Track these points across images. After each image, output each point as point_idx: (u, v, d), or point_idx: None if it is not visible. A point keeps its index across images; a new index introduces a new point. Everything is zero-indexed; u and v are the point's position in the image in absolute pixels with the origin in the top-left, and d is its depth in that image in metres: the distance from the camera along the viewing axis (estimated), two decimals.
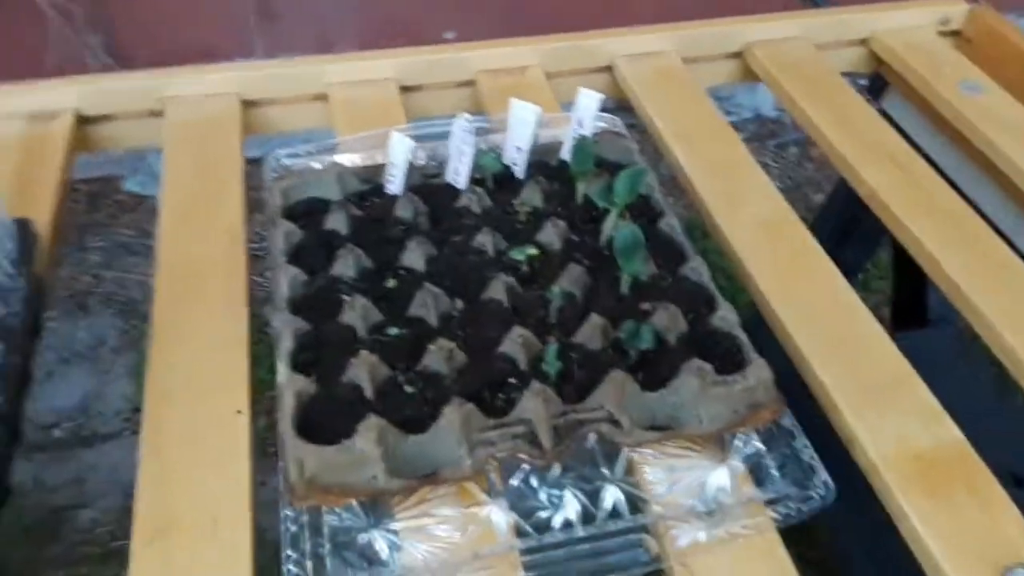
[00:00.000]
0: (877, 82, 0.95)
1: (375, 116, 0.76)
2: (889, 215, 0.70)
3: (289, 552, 0.45)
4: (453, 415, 0.47)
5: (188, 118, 0.76)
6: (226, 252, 0.63)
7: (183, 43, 1.66)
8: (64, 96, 0.76)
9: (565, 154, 0.67)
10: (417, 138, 0.69)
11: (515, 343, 0.51)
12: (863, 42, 0.92)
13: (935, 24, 0.91)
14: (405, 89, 0.82)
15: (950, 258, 0.65)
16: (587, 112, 0.65)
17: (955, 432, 0.53)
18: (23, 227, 0.54)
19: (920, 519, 0.49)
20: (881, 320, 0.61)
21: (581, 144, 0.60)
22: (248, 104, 0.79)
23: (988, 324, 0.60)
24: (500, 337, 0.52)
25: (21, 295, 0.50)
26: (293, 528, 0.46)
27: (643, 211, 0.63)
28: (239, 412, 0.53)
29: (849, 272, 1.10)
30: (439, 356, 0.50)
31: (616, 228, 0.57)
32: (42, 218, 0.64)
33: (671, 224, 0.61)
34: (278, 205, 0.62)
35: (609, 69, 0.87)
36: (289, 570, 0.44)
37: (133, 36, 1.63)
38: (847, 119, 0.79)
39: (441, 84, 0.83)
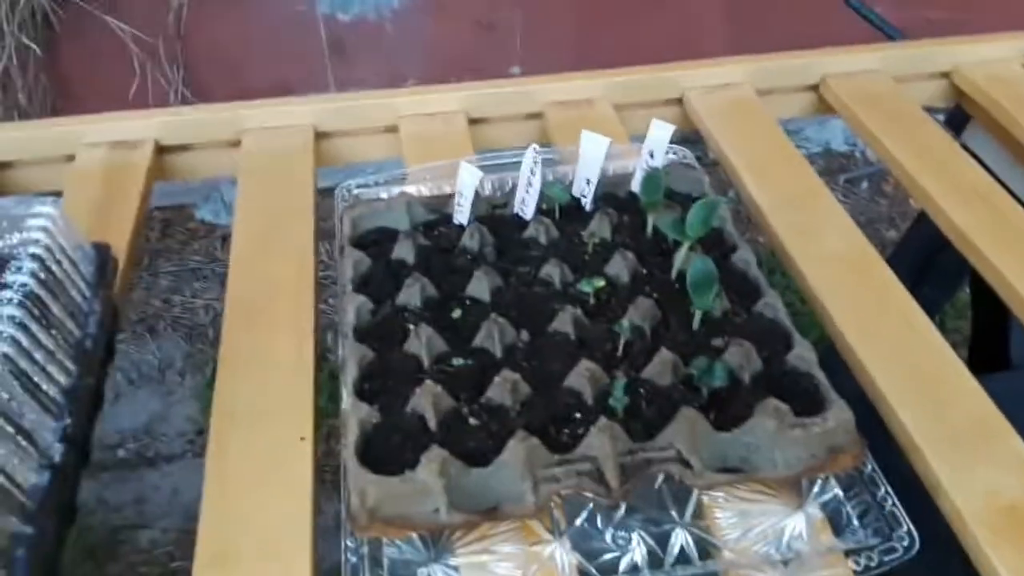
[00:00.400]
0: (957, 116, 0.92)
1: (443, 148, 0.76)
2: (973, 251, 0.67)
3: None
4: (517, 449, 0.46)
5: (263, 148, 0.77)
6: (295, 279, 0.64)
7: (259, 81, 1.72)
8: (145, 127, 0.78)
9: (635, 186, 0.67)
10: (484, 169, 0.69)
11: (581, 376, 0.50)
12: (944, 75, 0.89)
13: (1019, 57, 0.88)
14: (473, 121, 0.82)
15: None
16: (658, 143, 0.64)
17: None
18: (101, 252, 0.55)
19: (1009, 574, 0.46)
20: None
21: (651, 175, 0.59)
22: (321, 136, 0.81)
23: None
24: (566, 370, 0.51)
25: (97, 318, 0.51)
26: (353, 559, 0.45)
27: (716, 244, 0.62)
28: (303, 439, 0.52)
29: (928, 311, 1.06)
30: (504, 388, 0.49)
31: (688, 261, 0.56)
32: (119, 243, 0.65)
33: (745, 259, 0.59)
34: (347, 234, 0.63)
35: (679, 101, 0.86)
36: None
37: (212, 73, 1.69)
38: (928, 153, 0.76)
39: (508, 116, 0.84)
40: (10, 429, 0.40)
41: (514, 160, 0.66)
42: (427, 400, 0.48)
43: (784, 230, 0.68)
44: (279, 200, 0.71)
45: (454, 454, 0.46)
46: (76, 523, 0.47)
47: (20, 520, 0.40)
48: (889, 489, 0.48)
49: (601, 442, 0.46)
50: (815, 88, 0.88)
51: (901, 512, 0.47)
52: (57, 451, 0.44)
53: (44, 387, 0.44)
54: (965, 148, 0.89)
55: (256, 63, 1.72)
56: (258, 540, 0.47)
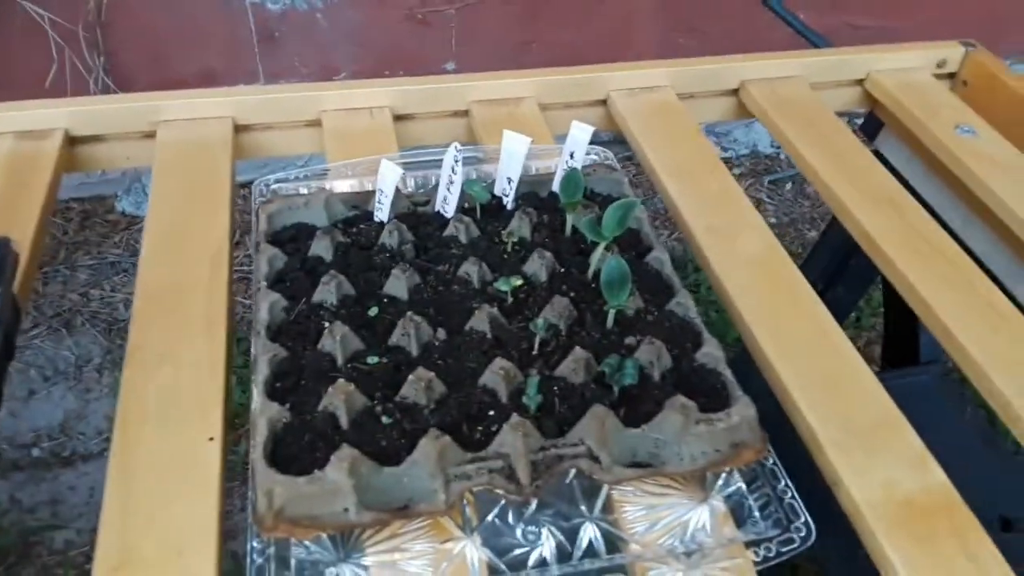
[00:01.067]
0: (871, 122, 0.95)
1: (367, 143, 0.76)
2: (881, 256, 0.70)
3: None
4: (429, 447, 0.46)
5: (179, 140, 0.75)
6: (209, 275, 0.62)
7: (185, 70, 1.67)
8: (55, 116, 0.75)
9: (556, 186, 0.67)
10: (408, 166, 0.69)
11: (496, 375, 0.50)
12: (859, 82, 0.92)
13: (931, 66, 0.91)
14: (399, 118, 0.82)
15: (941, 300, 0.64)
16: (578, 144, 0.65)
17: (942, 477, 0.52)
18: (2, 246, 0.53)
19: (904, 566, 0.48)
20: (872, 358, 0.60)
21: (570, 175, 0.60)
22: (241, 128, 0.79)
23: (978, 368, 0.59)
24: (481, 368, 0.51)
25: None
26: (259, 560, 0.45)
27: (632, 244, 0.63)
28: (211, 439, 0.51)
29: (841, 311, 1.09)
30: (417, 386, 0.49)
31: (603, 261, 0.57)
32: (22, 237, 0.63)
33: (660, 258, 0.61)
34: (263, 230, 0.62)
35: (604, 103, 0.87)
36: None
37: (135, 61, 1.64)
38: (841, 159, 0.79)
39: (435, 113, 0.83)
40: None
41: (438, 158, 0.66)
42: (339, 399, 0.48)
43: (701, 232, 0.70)
44: (195, 193, 0.70)
45: (366, 453, 0.46)
46: None
47: None
48: (789, 482, 0.49)
49: (513, 439, 0.47)
50: (735, 92, 0.90)
51: (800, 505, 0.48)
52: None
53: None
54: (878, 154, 0.93)
55: (182, 52, 1.67)
56: (161, 546, 0.46)
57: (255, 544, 0.45)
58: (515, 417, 0.47)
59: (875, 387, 0.58)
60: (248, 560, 0.45)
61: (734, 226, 0.71)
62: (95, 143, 0.77)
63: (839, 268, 1.03)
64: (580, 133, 0.64)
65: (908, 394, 0.60)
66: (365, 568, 0.46)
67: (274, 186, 0.67)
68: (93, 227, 1.68)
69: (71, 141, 0.76)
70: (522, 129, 0.66)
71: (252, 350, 0.54)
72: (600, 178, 0.68)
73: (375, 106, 0.81)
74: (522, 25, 1.80)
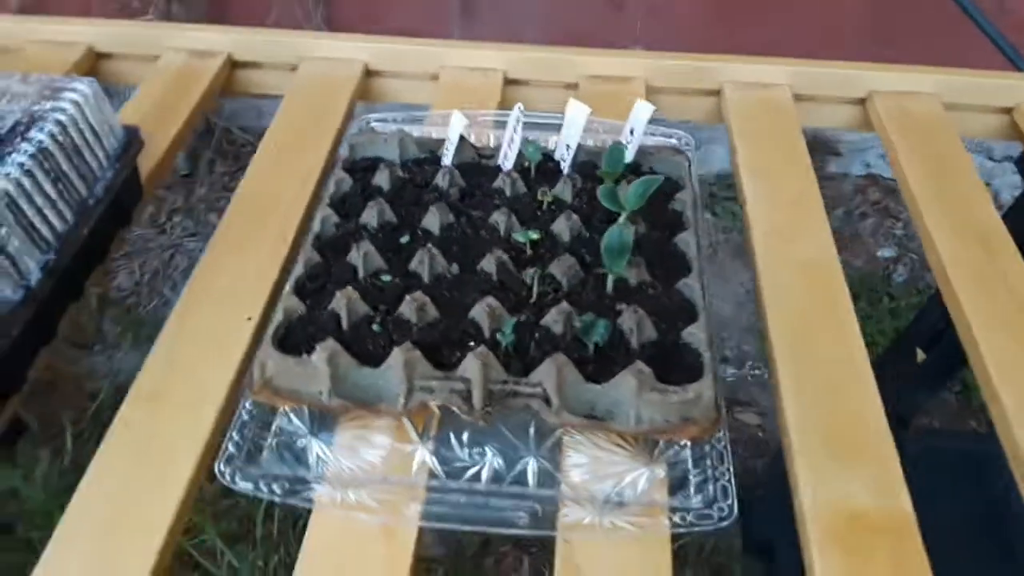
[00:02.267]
0: None
1: (472, 99, 0.82)
2: (947, 287, 0.66)
3: (234, 434, 0.52)
4: (399, 356, 0.52)
5: (314, 75, 0.86)
6: (296, 192, 0.72)
7: (391, 27, 1.82)
8: (226, 41, 0.89)
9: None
10: (499, 124, 0.75)
11: (482, 311, 0.55)
12: (1007, 111, 0.86)
13: None
14: (511, 81, 0.88)
15: (992, 344, 0.60)
16: (639, 122, 0.67)
17: (906, 506, 0.51)
18: (129, 132, 0.65)
19: (823, 573, 0.48)
20: None
21: (615, 148, 0.63)
22: (372, 73, 0.89)
23: (1006, 420, 0.56)
24: (475, 304, 0.56)
25: (106, 184, 0.61)
26: (245, 416, 0.53)
27: (669, 223, 0.65)
28: (249, 318, 0.61)
29: (943, 369, 1.02)
30: (412, 306, 0.55)
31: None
32: (165, 134, 0.76)
33: (687, 240, 0.62)
34: (344, 157, 0.70)
35: (717, 93, 0.88)
36: (228, 448, 0.51)
37: (349, 12, 1.81)
38: (947, 187, 0.74)
39: (545, 82, 0.88)
40: None
41: (544, 121, 0.72)
42: (343, 303, 0.55)
43: (760, 232, 0.70)
44: (308, 122, 0.80)
45: (353, 353, 0.53)
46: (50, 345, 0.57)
47: None
48: (731, 467, 0.51)
49: (474, 366, 0.52)
50: (862, 102, 0.87)
51: (733, 489, 0.50)
52: (35, 278, 0.54)
53: (38, 226, 0.55)
54: None
55: (391, 11, 1.82)
56: (188, 389, 0.56)
57: (246, 405, 0.54)
58: (482, 348, 0.52)
59: (875, 409, 0.57)
60: (236, 415, 0.53)
61: (795, 230, 0.70)
62: (250, 69, 0.89)
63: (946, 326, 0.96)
64: (642, 112, 0.67)
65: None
66: (329, 446, 0.53)
67: (373, 124, 0.76)
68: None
69: (233, 64, 0.89)
70: (623, 108, 0.69)
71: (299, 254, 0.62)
72: (662, 159, 0.70)
73: (490, 67, 0.87)
74: (716, 17, 1.78)
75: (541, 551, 1.27)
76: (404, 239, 0.62)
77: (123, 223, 0.66)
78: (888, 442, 0.54)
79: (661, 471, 0.52)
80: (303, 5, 1.75)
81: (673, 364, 0.54)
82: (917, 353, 1.01)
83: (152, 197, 1.92)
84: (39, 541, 0.48)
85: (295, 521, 1.25)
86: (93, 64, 0.89)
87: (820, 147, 2.07)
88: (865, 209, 1.99)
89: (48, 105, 0.58)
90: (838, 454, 0.53)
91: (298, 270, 0.60)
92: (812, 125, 0.86)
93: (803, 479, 0.52)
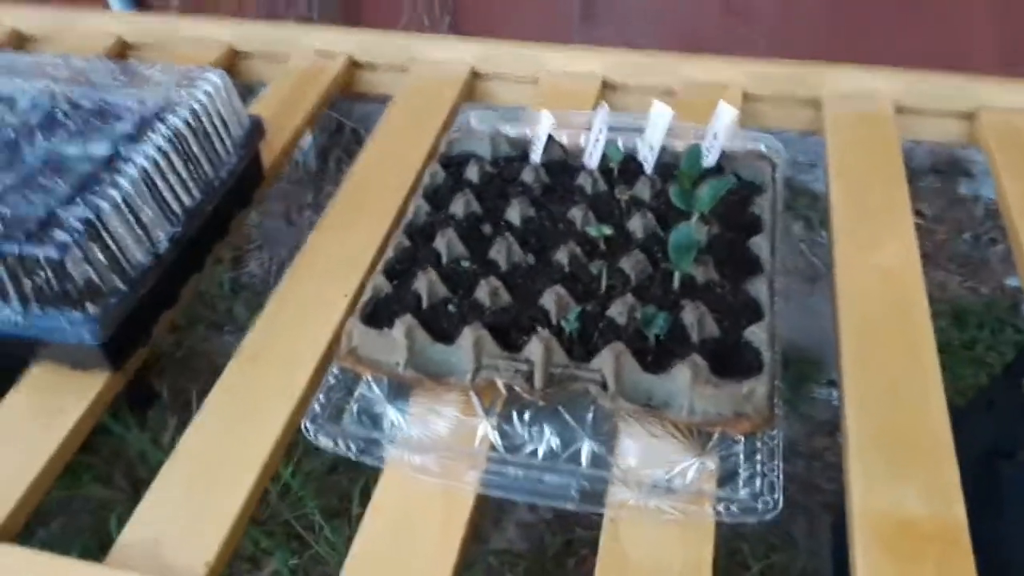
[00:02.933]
0: None
1: (568, 102, 0.86)
2: None
3: (320, 396, 0.58)
4: (468, 335, 0.56)
5: (422, 77, 0.92)
6: (396, 183, 0.78)
7: (512, 31, 1.89)
8: (347, 42, 0.96)
9: (706, 163, 0.72)
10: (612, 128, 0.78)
11: (551, 298, 0.58)
12: None
13: None
14: (609, 86, 0.91)
15: None
16: (722, 125, 0.69)
17: (960, 514, 0.50)
18: (253, 121, 0.72)
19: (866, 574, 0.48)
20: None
21: (693, 150, 0.65)
22: (477, 75, 0.94)
23: None
24: (544, 291, 0.60)
25: (230, 168, 0.68)
26: (332, 381, 0.59)
27: (746, 226, 0.66)
28: (345, 295, 0.67)
29: None
30: (486, 291, 0.59)
31: (699, 231, 0.62)
32: (287, 126, 0.84)
33: (760, 244, 0.63)
34: (442, 152, 0.75)
35: (817, 102, 0.88)
36: (314, 407, 0.57)
37: (474, 18, 1.89)
38: None
39: (642, 87, 0.90)
40: (131, 218, 0.58)
41: (637, 125, 0.74)
42: (424, 285, 0.60)
43: (842, 236, 0.70)
44: (416, 120, 0.85)
45: (429, 329, 0.58)
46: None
47: (120, 280, 0.58)
48: (780, 464, 0.52)
49: (538, 349, 0.55)
50: (968, 117, 0.85)
51: (780, 485, 0.51)
52: (163, 247, 0.61)
53: (169, 200, 0.62)
54: None
55: (516, 17, 1.88)
56: (285, 353, 0.63)
57: (333, 370, 0.59)
58: (545, 332, 0.56)
59: (939, 413, 0.56)
60: (324, 379, 0.59)
61: (879, 240, 0.70)
62: (367, 70, 0.96)
63: None
64: (725, 114, 0.68)
65: None
66: (403, 413, 0.58)
67: (471, 121, 0.80)
68: None
69: (354, 65, 0.96)
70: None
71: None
72: (746, 164, 0.71)
73: (588, 72, 0.90)
74: (838, 29, 1.74)
75: None
76: (486, 229, 0.66)
77: (243, 204, 0.73)
78: (949, 454, 0.54)
79: (712, 462, 0.53)
80: (430, 11, 1.83)
81: (733, 361, 0.56)
82: (1023, 385, 0.97)
83: (284, 193, 2.07)
84: None
85: None
86: (232, 61, 0.98)
87: (951, 168, 1.98)
88: (995, 235, 1.88)
89: (184, 93, 0.66)
90: (894, 460, 0.53)
91: (389, 253, 0.65)
92: (914, 138, 0.85)
93: (856, 482, 0.53)
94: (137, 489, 1.47)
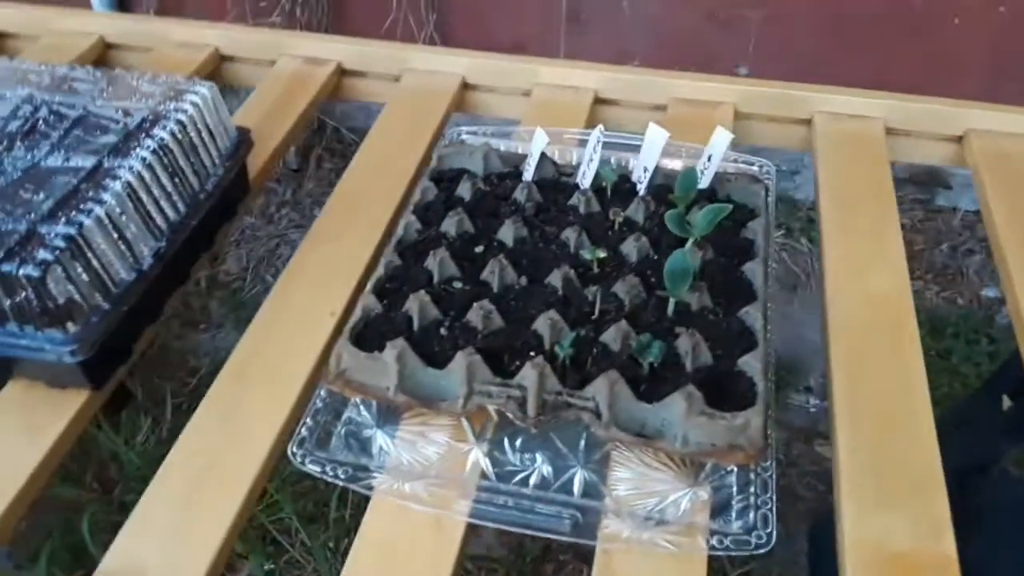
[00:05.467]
0: None
1: (560, 117, 0.85)
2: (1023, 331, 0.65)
3: (308, 419, 0.57)
4: (461, 360, 0.55)
5: (414, 87, 0.91)
6: (386, 193, 0.77)
7: (501, 39, 1.87)
8: (337, 50, 0.95)
9: (700, 185, 0.72)
10: (581, 143, 0.77)
11: (545, 323, 0.58)
12: None
13: None
14: (602, 101, 0.90)
15: None
16: (716, 148, 0.69)
17: (950, 550, 0.51)
18: (241, 133, 0.71)
19: None
20: None
21: (687, 173, 0.65)
22: (469, 86, 0.93)
23: None
24: (539, 316, 0.59)
25: (217, 181, 0.67)
26: (319, 404, 0.58)
27: (740, 251, 0.66)
28: (332, 313, 0.66)
29: None
30: (478, 314, 0.59)
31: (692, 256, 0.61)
32: (274, 135, 0.82)
33: (754, 270, 0.63)
34: (432, 167, 0.74)
35: (808, 122, 0.88)
36: (301, 432, 0.56)
37: (460, 24, 1.87)
38: None
39: (635, 103, 0.90)
40: (114, 235, 0.57)
41: (629, 143, 0.74)
42: (416, 306, 0.59)
43: (832, 260, 0.70)
44: (407, 131, 0.84)
45: (420, 353, 0.57)
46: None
47: (102, 297, 0.56)
48: (774, 496, 0.52)
49: (531, 375, 0.54)
50: (959, 140, 0.85)
51: (774, 518, 0.51)
52: (147, 262, 0.60)
53: (154, 215, 0.61)
54: None
55: (500, 22, 1.87)
56: (269, 372, 0.61)
57: (321, 393, 0.58)
58: (539, 359, 0.55)
59: (929, 447, 0.56)
60: (312, 402, 0.58)
61: (869, 262, 0.70)
62: (357, 78, 0.95)
63: None
64: (720, 139, 0.68)
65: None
66: (392, 438, 0.57)
67: (462, 136, 0.80)
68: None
69: (342, 72, 0.95)
70: (708, 133, 0.70)
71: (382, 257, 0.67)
72: (739, 187, 0.71)
73: (581, 86, 0.90)
74: (827, 42, 1.75)
75: None
76: (479, 249, 0.65)
77: (229, 216, 0.72)
78: (939, 485, 0.54)
79: (705, 493, 0.53)
80: (416, 14, 1.82)
81: (726, 390, 0.55)
82: (1003, 400, 0.98)
83: (263, 190, 2.04)
84: (133, 504, 0.54)
85: (366, 508, 1.31)
86: (217, 65, 0.96)
87: (930, 179, 2.00)
88: (972, 246, 1.90)
89: (172, 105, 0.64)
90: (885, 491, 0.53)
91: (379, 272, 0.64)
92: (904, 160, 0.85)
93: (847, 512, 0.53)
94: (107, 490, 1.45)
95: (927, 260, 1.93)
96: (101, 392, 0.60)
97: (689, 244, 0.62)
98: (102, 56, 0.97)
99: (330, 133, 2.13)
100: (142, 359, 1.62)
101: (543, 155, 0.71)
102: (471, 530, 0.53)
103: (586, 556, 0.49)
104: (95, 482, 1.46)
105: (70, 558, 1.33)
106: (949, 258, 1.91)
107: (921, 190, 2.02)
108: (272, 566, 1.36)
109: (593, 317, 0.60)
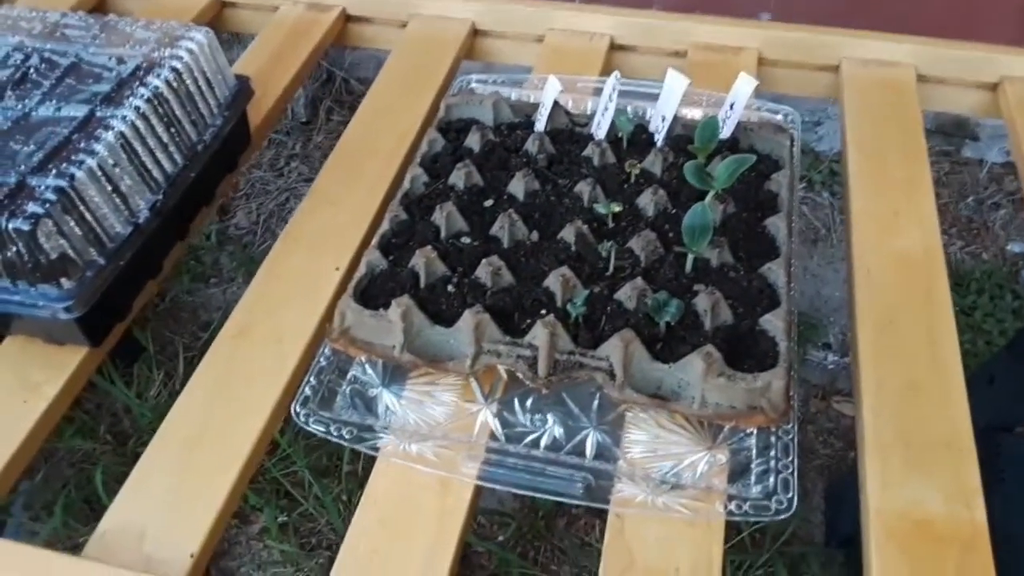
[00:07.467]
0: None
1: (575, 64, 0.82)
2: None
3: (311, 378, 0.55)
4: (469, 319, 0.53)
5: (421, 32, 0.87)
6: (392, 146, 0.74)
7: None
8: None
9: (721, 134, 0.68)
10: (599, 91, 0.74)
11: (557, 280, 0.55)
12: None
13: None
14: (619, 47, 0.86)
15: None
16: (740, 96, 0.65)
17: (981, 517, 0.48)
18: (240, 82, 0.68)
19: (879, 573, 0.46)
20: None
21: (708, 122, 0.61)
22: (479, 32, 0.89)
23: None
24: (550, 272, 0.56)
25: (216, 131, 0.64)
26: (323, 363, 0.56)
27: (762, 205, 0.63)
28: (337, 269, 0.63)
29: None
30: (487, 270, 0.56)
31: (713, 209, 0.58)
32: (277, 84, 0.79)
33: (777, 224, 0.60)
34: (440, 117, 0.71)
35: (835, 69, 0.84)
36: (304, 391, 0.54)
37: None
38: None
39: (653, 49, 0.86)
40: (108, 188, 0.55)
41: (647, 91, 0.70)
42: (421, 263, 0.57)
43: (859, 214, 0.67)
44: (414, 79, 0.81)
45: (427, 311, 0.55)
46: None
47: (97, 252, 0.54)
48: (795, 460, 0.50)
49: (543, 335, 0.52)
50: (994, 88, 0.81)
51: (794, 483, 0.49)
52: (144, 216, 0.58)
53: (149, 167, 0.58)
54: None
55: None
56: (271, 330, 0.60)
57: (325, 351, 0.56)
58: (551, 317, 0.53)
59: (960, 410, 0.54)
60: (315, 361, 0.56)
61: (898, 216, 0.67)
62: (364, 23, 0.91)
63: None
64: (744, 86, 0.65)
65: None
66: (399, 398, 0.55)
67: (472, 84, 0.76)
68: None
69: (347, 19, 0.91)
70: (734, 80, 0.67)
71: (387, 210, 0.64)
72: (764, 136, 0.67)
73: (597, 32, 0.86)
74: None
75: None
76: (488, 203, 0.63)
77: (229, 168, 0.69)
78: (969, 450, 0.51)
79: (723, 457, 0.51)
80: None
81: (747, 350, 0.53)
82: None
83: (269, 142, 2.01)
84: None
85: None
86: (218, 12, 0.93)
87: (957, 130, 1.94)
88: (999, 199, 1.85)
89: (167, 52, 0.61)
90: (913, 456, 0.51)
91: (384, 226, 0.61)
92: (936, 108, 0.81)
93: (872, 478, 0.51)
94: (121, 443, 1.46)
95: (952, 214, 1.88)
96: (99, 349, 0.59)
97: (709, 197, 0.59)
98: (100, 3, 0.94)
99: (339, 84, 2.09)
100: (154, 313, 1.61)
101: (556, 104, 0.68)
102: (479, 491, 0.51)
103: (600, 511, 0.47)
104: (108, 434, 1.47)
105: (86, 509, 1.34)
106: (974, 212, 1.86)
107: (948, 141, 1.96)
108: (286, 518, 1.37)
109: (607, 274, 0.57)
